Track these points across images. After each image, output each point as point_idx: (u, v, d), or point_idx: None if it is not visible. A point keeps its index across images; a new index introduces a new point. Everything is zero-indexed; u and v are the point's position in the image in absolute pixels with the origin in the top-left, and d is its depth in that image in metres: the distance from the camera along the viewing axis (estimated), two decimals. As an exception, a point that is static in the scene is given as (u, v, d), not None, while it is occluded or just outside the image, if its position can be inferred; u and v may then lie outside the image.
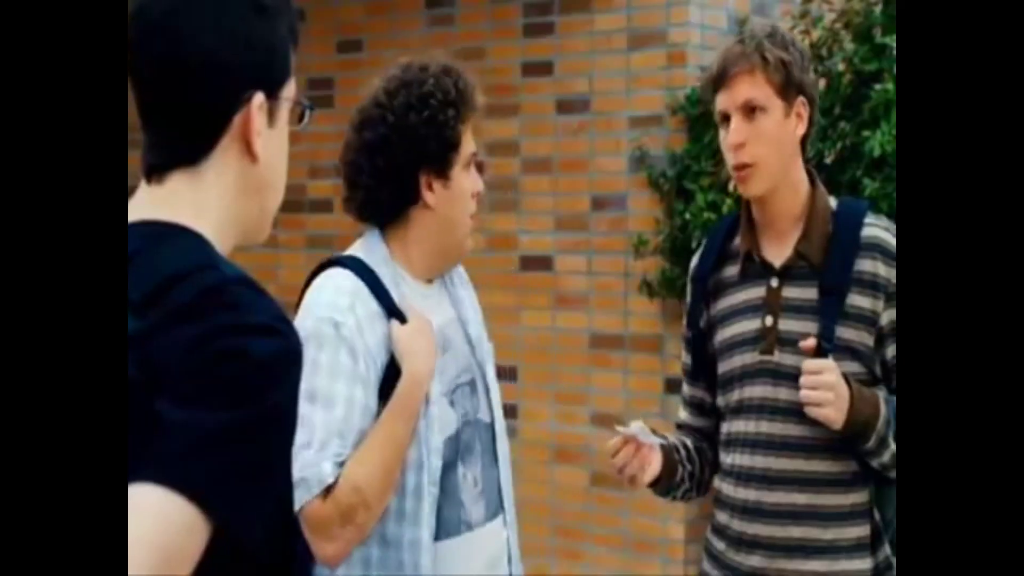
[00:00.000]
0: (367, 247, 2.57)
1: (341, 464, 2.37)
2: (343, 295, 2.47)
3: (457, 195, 2.58)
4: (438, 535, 2.46)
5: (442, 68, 2.59)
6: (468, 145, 2.59)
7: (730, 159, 2.65)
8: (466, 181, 2.59)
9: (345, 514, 2.36)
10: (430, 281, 2.65)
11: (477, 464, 2.57)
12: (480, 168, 2.67)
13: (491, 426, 2.64)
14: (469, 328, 2.67)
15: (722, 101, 2.64)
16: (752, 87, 2.60)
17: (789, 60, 2.61)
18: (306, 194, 6.27)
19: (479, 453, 2.58)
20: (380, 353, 2.45)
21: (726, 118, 2.64)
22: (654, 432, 2.71)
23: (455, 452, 2.52)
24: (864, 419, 2.53)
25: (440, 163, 2.55)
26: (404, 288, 2.55)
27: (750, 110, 2.60)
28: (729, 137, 2.63)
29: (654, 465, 2.67)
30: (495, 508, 2.60)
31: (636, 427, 2.65)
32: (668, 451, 2.74)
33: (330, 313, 2.44)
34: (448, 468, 2.49)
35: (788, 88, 2.61)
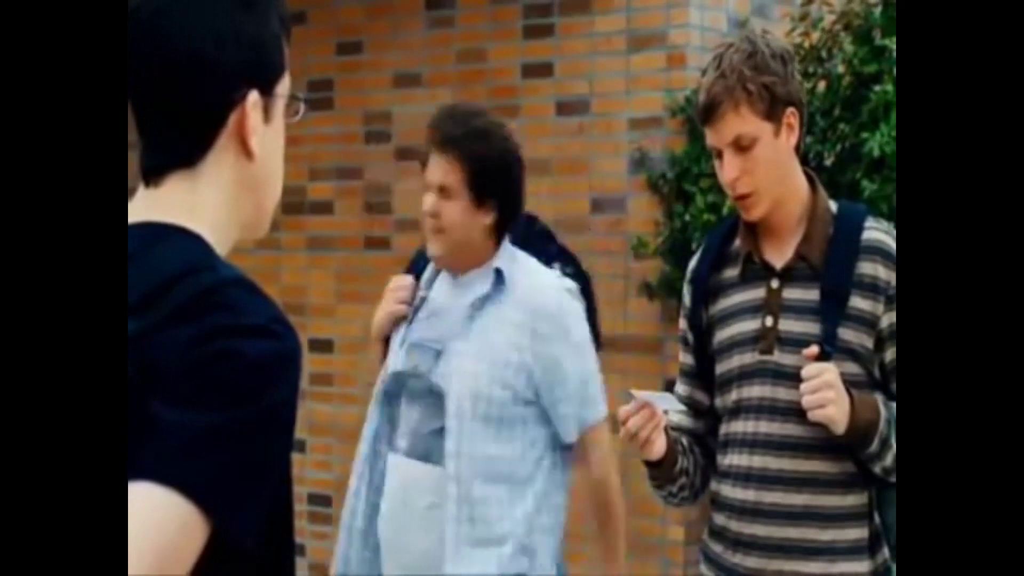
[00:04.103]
0: None
1: None
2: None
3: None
4: (388, 446, 3.26)
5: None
6: (428, 173, 3.18)
7: (728, 190, 2.66)
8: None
9: None
10: (459, 273, 3.24)
11: (416, 411, 3.19)
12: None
13: (441, 393, 3.13)
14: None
15: (711, 137, 2.64)
16: (740, 122, 2.59)
17: (772, 81, 2.59)
18: (306, 196, 6.27)
19: (421, 404, 3.19)
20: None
21: (718, 152, 2.64)
22: (665, 412, 2.70)
23: (399, 387, 3.24)
24: (866, 422, 2.53)
25: None
26: (441, 273, 3.30)
27: (741, 144, 2.60)
28: (724, 173, 2.63)
29: (662, 440, 2.65)
30: (421, 453, 3.16)
31: (649, 394, 2.64)
32: (670, 438, 2.72)
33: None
34: (393, 396, 3.25)
35: (775, 108, 2.60)
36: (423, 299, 3.29)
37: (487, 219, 3.15)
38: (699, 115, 2.67)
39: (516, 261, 3.21)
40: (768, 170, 2.61)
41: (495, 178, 3.14)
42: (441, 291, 3.27)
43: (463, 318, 3.16)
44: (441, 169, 3.14)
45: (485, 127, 3.16)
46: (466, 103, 3.43)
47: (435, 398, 3.14)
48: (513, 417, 3.11)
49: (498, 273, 3.15)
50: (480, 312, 3.14)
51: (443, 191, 3.14)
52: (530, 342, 3.10)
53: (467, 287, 3.20)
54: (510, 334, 3.11)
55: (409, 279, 3.32)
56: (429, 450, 3.14)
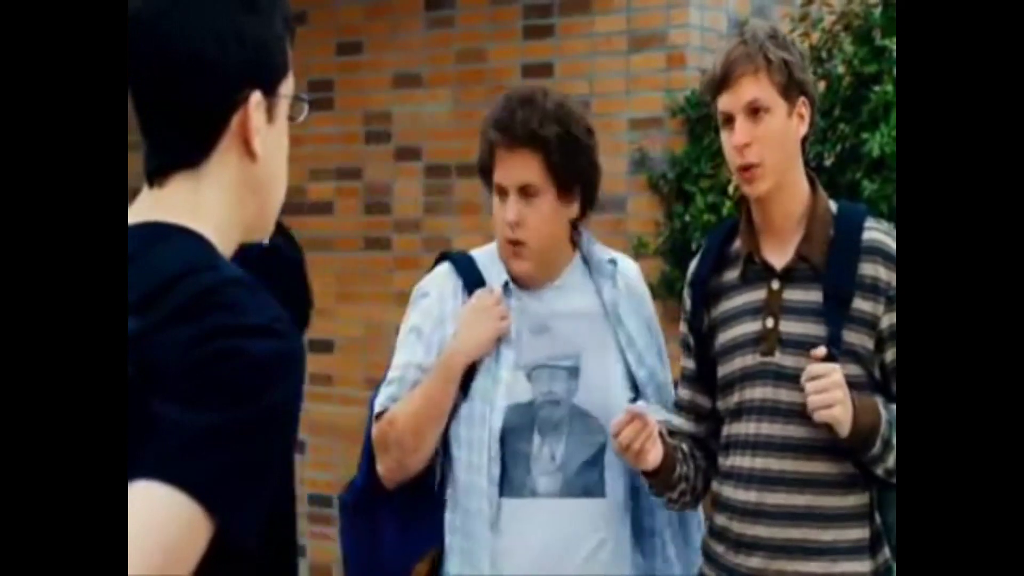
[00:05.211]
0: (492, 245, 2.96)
1: (395, 400, 2.82)
2: (437, 275, 2.93)
3: (495, 214, 2.86)
4: (503, 491, 2.76)
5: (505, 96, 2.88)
6: (499, 175, 2.80)
7: (735, 159, 2.64)
8: (497, 207, 2.84)
9: (381, 440, 2.81)
10: (544, 283, 2.87)
11: (560, 442, 2.78)
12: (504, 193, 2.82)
13: (590, 416, 2.80)
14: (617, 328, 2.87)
15: (725, 102, 2.64)
16: (757, 88, 2.60)
17: (792, 60, 2.62)
18: (306, 196, 6.27)
19: (566, 435, 2.78)
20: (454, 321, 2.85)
21: (729, 119, 2.64)
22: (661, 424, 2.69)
23: (528, 421, 2.77)
24: (868, 426, 2.53)
25: (486, 181, 2.87)
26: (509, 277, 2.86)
27: (754, 111, 2.61)
28: (734, 137, 2.62)
29: (657, 449, 2.64)
30: (580, 489, 2.78)
31: (641, 405, 2.64)
32: (668, 445, 2.72)
33: (422, 286, 2.93)
34: (518, 434, 2.77)
35: (791, 88, 2.62)
36: (517, 310, 2.84)
37: (572, 211, 2.84)
38: (714, 83, 2.66)
39: (601, 247, 2.94)
40: (776, 144, 2.61)
41: (580, 160, 2.80)
42: (531, 299, 2.86)
43: (599, 326, 2.85)
44: (520, 166, 2.76)
45: (558, 105, 2.81)
46: (520, 87, 2.96)
47: (581, 423, 2.79)
48: None
49: (614, 263, 2.91)
50: (616, 312, 2.86)
51: (525, 191, 2.77)
52: (646, 328, 2.90)
53: (559, 291, 2.87)
54: (637, 327, 2.88)
55: (499, 293, 2.83)
56: (588, 484, 2.79)
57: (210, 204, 1.53)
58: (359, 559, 2.93)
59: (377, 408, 2.85)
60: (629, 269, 2.98)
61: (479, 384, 2.79)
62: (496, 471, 2.75)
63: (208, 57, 1.50)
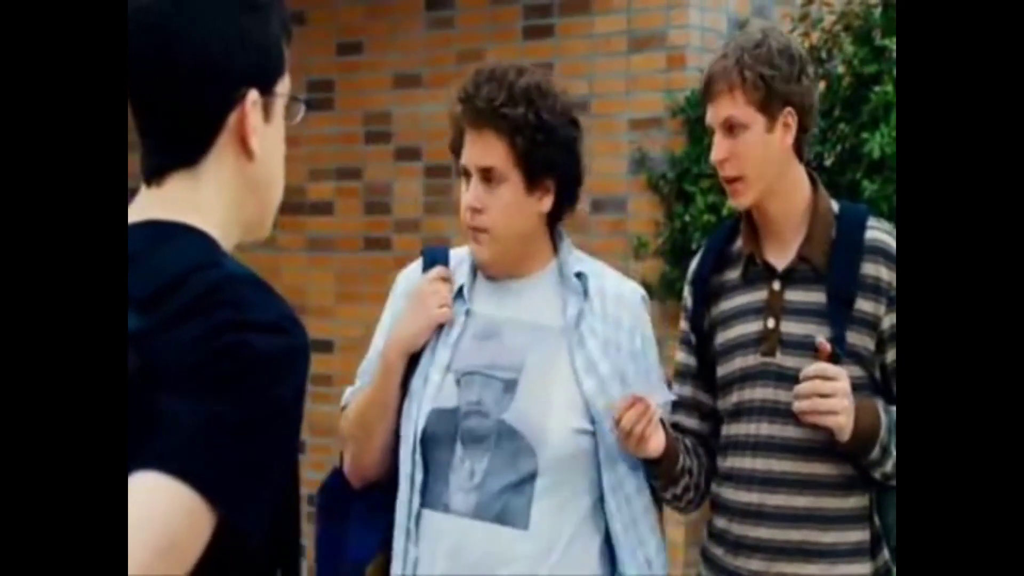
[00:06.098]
0: None
1: (355, 394, 2.75)
2: (409, 268, 2.78)
3: (461, 196, 2.65)
4: (423, 500, 2.59)
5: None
6: (464, 154, 2.60)
7: (719, 172, 2.67)
8: (462, 189, 2.63)
9: (341, 435, 2.76)
10: (511, 277, 2.65)
11: (484, 459, 2.55)
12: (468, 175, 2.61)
13: (520, 436, 2.55)
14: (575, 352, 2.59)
15: (708, 115, 2.67)
16: (731, 105, 2.60)
17: (771, 75, 2.59)
18: (306, 196, 6.27)
19: (491, 450, 2.55)
20: None
21: (714, 131, 2.66)
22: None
23: (450, 429, 2.56)
24: (867, 430, 2.53)
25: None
26: (479, 279, 2.68)
27: (730, 127, 2.61)
28: (713, 152, 2.65)
29: (659, 436, 2.57)
30: (496, 514, 2.54)
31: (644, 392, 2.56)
32: (671, 435, 2.66)
33: (396, 279, 2.80)
34: (439, 442, 2.57)
35: (770, 103, 2.60)
36: (467, 313, 2.63)
37: (543, 205, 2.60)
38: (702, 95, 2.70)
39: (581, 258, 2.69)
40: (754, 159, 2.61)
41: (553, 150, 2.56)
42: (487, 303, 2.65)
43: (554, 342, 2.59)
44: (482, 147, 2.54)
45: (532, 85, 2.55)
46: (500, 63, 2.64)
47: (510, 443, 2.54)
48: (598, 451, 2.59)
49: (580, 277, 2.63)
50: (577, 331, 2.60)
51: (487, 175, 2.54)
52: (626, 360, 2.62)
53: (524, 295, 2.64)
54: (603, 352, 2.60)
55: (446, 277, 2.64)
56: (506, 510, 2.53)
57: (210, 202, 1.54)
58: (326, 560, 2.77)
59: (342, 403, 2.77)
60: (619, 292, 2.68)
61: (413, 382, 2.60)
62: (419, 477, 2.57)
63: (213, 61, 1.51)
